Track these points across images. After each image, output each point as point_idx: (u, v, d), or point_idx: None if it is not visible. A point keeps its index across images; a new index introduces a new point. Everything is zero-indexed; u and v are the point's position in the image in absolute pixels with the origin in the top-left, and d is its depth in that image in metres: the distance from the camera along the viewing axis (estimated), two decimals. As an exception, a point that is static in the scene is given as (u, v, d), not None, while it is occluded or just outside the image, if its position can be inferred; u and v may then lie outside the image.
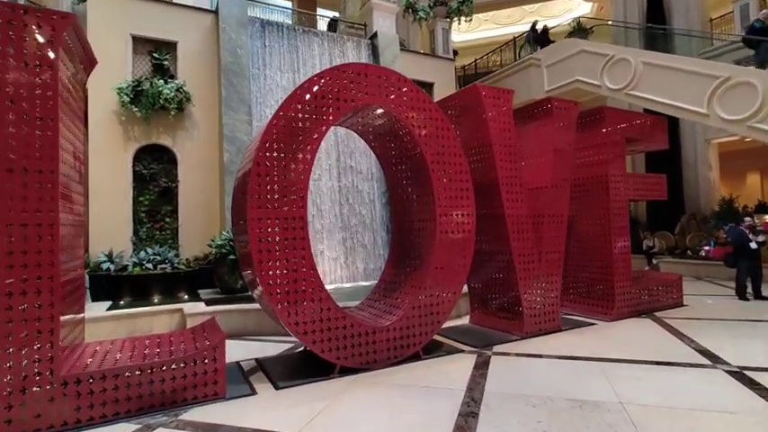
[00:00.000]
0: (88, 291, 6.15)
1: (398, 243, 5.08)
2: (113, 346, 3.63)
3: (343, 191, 9.43)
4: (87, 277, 6.23)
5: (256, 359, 4.41)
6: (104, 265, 7.40)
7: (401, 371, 3.98)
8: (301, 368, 4.06)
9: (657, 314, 6.03)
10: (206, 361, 3.30)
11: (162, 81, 7.95)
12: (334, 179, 9.35)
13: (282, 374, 3.93)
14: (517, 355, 4.38)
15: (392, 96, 4.29)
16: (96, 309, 5.63)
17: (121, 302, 7.11)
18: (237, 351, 4.92)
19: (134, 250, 7.83)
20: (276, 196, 3.65)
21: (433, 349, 4.50)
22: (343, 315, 3.92)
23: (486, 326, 5.52)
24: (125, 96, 7.62)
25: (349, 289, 8.63)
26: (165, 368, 3.16)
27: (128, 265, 7.39)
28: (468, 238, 4.60)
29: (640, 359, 4.10)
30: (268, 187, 3.63)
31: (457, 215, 4.56)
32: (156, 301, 7.21)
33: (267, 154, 3.64)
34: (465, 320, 5.89)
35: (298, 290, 3.70)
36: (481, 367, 4.01)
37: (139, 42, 8.17)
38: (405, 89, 4.38)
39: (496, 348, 4.61)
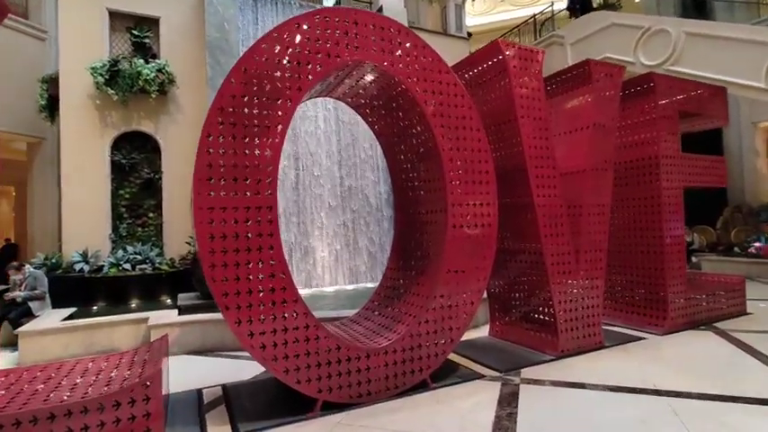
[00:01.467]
0: (47, 296, 5.36)
1: (402, 240, 4.14)
2: (21, 378, 2.79)
3: (345, 181, 8.52)
4: (46, 279, 5.44)
5: (224, 386, 3.53)
6: (78, 266, 6.65)
7: (403, 408, 3.05)
8: (276, 401, 3.18)
9: (719, 325, 4.97)
10: (133, 403, 2.42)
11: (142, 61, 7.14)
12: (335, 167, 8.44)
13: (249, 411, 3.04)
14: (553, 383, 3.41)
15: (391, 53, 3.34)
16: (50, 318, 4.83)
17: (95, 308, 6.35)
18: (206, 372, 4.06)
19: (113, 249, 7.07)
20: (234, 178, 2.75)
21: (444, 374, 3.56)
22: (325, 334, 3.01)
23: (510, 340, 4.55)
24: (99, 77, 6.82)
25: (351, 291, 7.74)
26: (71, 415, 2.29)
27: (103, 266, 6.63)
28: (488, 234, 3.64)
29: (721, 393, 3.09)
30: (222, 166, 2.73)
31: (474, 205, 3.60)
32: (132, 306, 6.43)
33: (221, 122, 2.74)
34: (483, 332, 4.93)
35: (264, 303, 2.80)
36: (508, 402, 3.06)
37: (117, 18, 7.36)
38: (408, 45, 3.43)
39: (525, 373, 3.64)
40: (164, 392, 3.30)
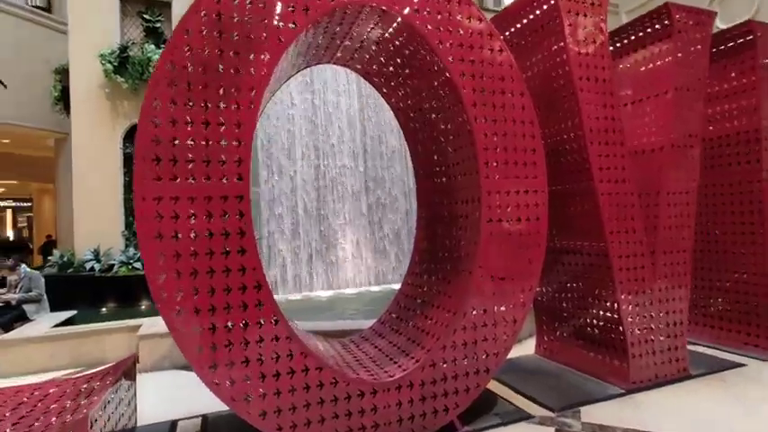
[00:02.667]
0: (44, 298, 4.99)
1: (425, 239, 3.36)
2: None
3: (369, 173, 7.78)
4: (42, 280, 5.07)
5: (204, 417, 2.89)
6: (89, 265, 6.33)
7: (420, 464, 2.28)
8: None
9: (841, 347, 3.83)
10: (48, 460, 1.80)
11: (153, 46, 6.72)
12: (359, 159, 7.72)
13: (223, 458, 2.38)
14: (627, 432, 2.52)
15: (405, -6, 2.55)
16: (39, 325, 4.42)
17: (103, 310, 6.00)
18: (190, 396, 3.44)
19: (126, 247, 6.72)
20: (190, 159, 2.06)
21: (478, 411, 2.75)
22: (317, 364, 2.28)
23: (562, 362, 3.66)
24: (108, 65, 6.44)
25: (375, 293, 7.03)
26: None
27: (114, 265, 6.27)
28: (535, 230, 2.79)
29: None
30: (174, 142, 2.04)
31: (516, 193, 2.75)
32: (141, 308, 6.03)
33: (173, 83, 2.05)
34: (528, 348, 4.05)
35: (232, 324, 2.11)
36: (566, 463, 2.22)
37: (128, 2, 6.97)
38: (426, -16, 2.62)
39: (587, 413, 2.77)
40: (129, 426, 2.71)
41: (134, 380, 2.78)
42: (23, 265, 4.91)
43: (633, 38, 3.66)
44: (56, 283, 6.13)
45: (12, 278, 4.84)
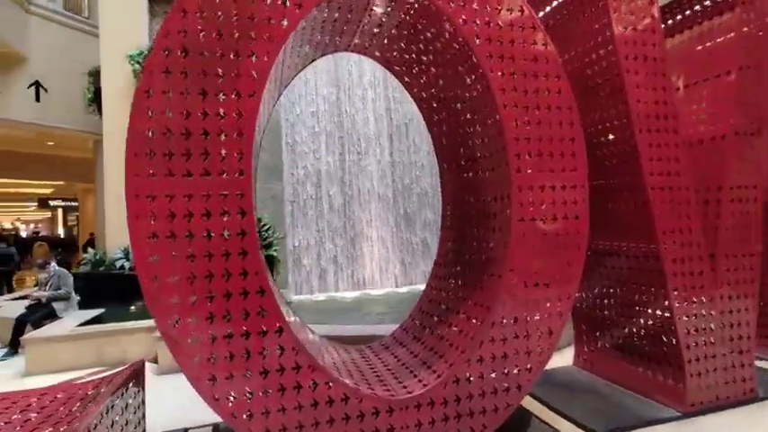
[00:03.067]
0: (73, 296, 5.05)
1: (450, 240, 3.09)
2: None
3: (396, 167, 7.53)
4: (71, 278, 5.14)
5: (215, 426, 2.75)
6: (119, 263, 6.43)
7: (441, 494, 2.03)
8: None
9: None
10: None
11: (180, 46, 6.75)
12: (385, 152, 7.47)
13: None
14: (686, 466, 2.17)
15: (425, -32, 2.29)
16: (66, 323, 4.45)
17: (132, 308, 6.06)
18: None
19: (155, 245, 6.80)
20: (186, 153, 1.89)
21: (509, 432, 2.47)
22: (327, 379, 2.06)
23: (604, 376, 3.30)
24: (137, 65, 6.51)
25: (403, 295, 6.77)
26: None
27: (143, 263, 6.33)
28: (575, 230, 2.46)
29: None
30: (168, 134, 1.88)
31: (552, 188, 2.44)
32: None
33: (167, 70, 1.89)
34: (566, 358, 3.70)
35: (233, 333, 1.92)
36: (612, 501, 1.90)
37: (157, 3, 7.04)
38: (450, -44, 2.35)
39: (636, 440, 2.43)
40: (136, 435, 2.59)
41: (142, 385, 2.66)
42: (53, 263, 5.00)
43: (688, 12, 3.23)
44: (88, 280, 6.25)
45: (42, 276, 4.93)
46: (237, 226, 1.94)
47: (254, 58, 1.99)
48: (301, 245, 6.89)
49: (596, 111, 2.90)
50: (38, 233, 25.56)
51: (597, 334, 3.45)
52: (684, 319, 2.75)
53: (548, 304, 2.42)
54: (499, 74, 2.38)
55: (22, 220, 27.72)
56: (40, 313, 4.66)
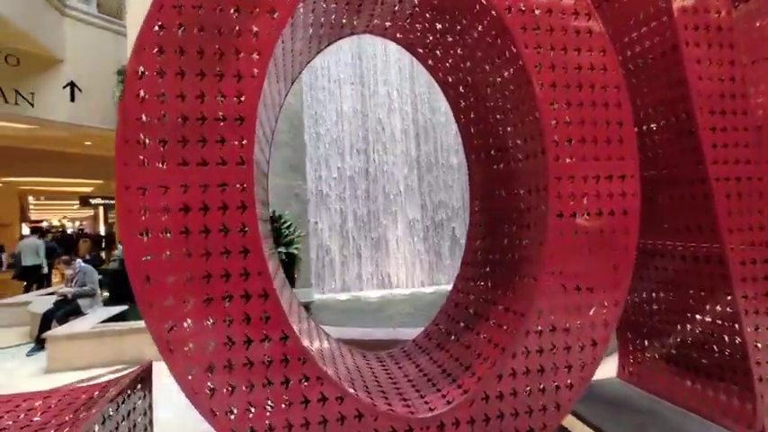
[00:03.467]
0: (98, 292, 5.06)
1: (479, 236, 2.81)
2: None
3: (422, 162, 7.25)
4: (96, 274, 5.15)
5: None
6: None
7: None
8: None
9: None
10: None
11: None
12: (411, 146, 7.21)
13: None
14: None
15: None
16: (87, 320, 4.44)
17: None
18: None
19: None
20: (182, 140, 1.71)
21: (545, 455, 2.17)
22: (338, 393, 1.84)
23: (653, 391, 2.94)
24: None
25: (429, 295, 6.50)
26: None
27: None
28: (622, 228, 2.14)
29: None
30: (162, 120, 1.70)
31: (597, 179, 2.13)
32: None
33: (161, 50, 1.71)
34: (609, 368, 3.34)
35: (233, 341, 1.73)
36: None
37: (181, 0, 7.05)
38: None
39: (696, 471, 2.09)
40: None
41: (149, 389, 2.53)
42: (79, 260, 5.03)
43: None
44: (116, 277, 6.31)
45: (68, 272, 4.97)
46: (238, 221, 1.75)
47: (256, 35, 1.79)
48: (324, 243, 6.73)
49: (648, 91, 2.55)
50: (82, 230, 26.80)
51: (645, 343, 3.09)
52: (754, 330, 2.37)
53: (591, 312, 2.11)
54: (535, 49, 2.09)
55: (68, 217, 29.13)
56: (65, 309, 4.69)
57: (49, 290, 7.00)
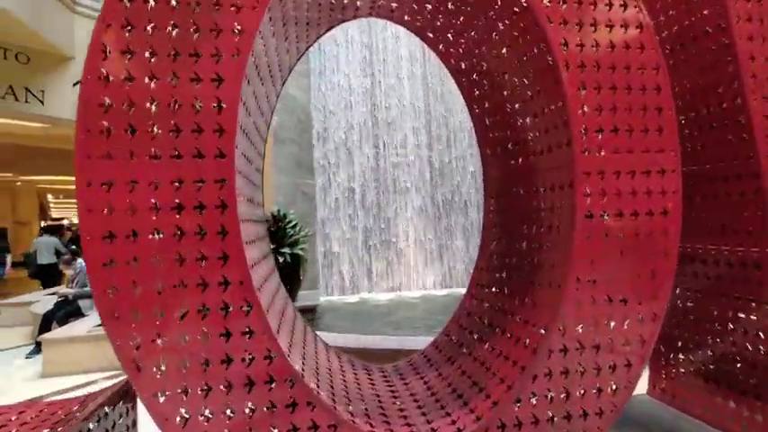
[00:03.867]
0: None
1: (494, 238, 2.56)
2: None
3: (434, 162, 6.98)
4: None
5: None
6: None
7: None
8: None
9: None
10: None
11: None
12: (423, 146, 6.95)
13: None
14: None
15: None
16: (86, 323, 4.30)
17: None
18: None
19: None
20: (152, 129, 1.49)
21: (570, 489, 1.90)
22: (333, 421, 1.61)
23: (690, 411, 2.64)
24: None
25: (441, 298, 6.24)
26: None
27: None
28: (662, 230, 1.86)
29: None
30: (129, 105, 1.48)
31: (631, 174, 1.85)
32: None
33: (128, 25, 1.49)
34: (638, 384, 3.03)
35: (211, 361, 1.51)
36: None
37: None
38: None
39: None
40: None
41: (133, 403, 2.34)
42: (80, 260, 4.91)
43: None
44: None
45: (69, 272, 4.85)
46: (216, 223, 1.52)
47: (238, 8, 1.56)
48: (333, 243, 6.52)
49: (689, 74, 2.25)
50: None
51: (679, 358, 2.78)
52: (814, 349, 2.05)
53: (625, 327, 1.83)
54: (560, 24, 1.82)
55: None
56: (65, 310, 4.57)
57: (52, 290, 6.97)
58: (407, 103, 7.05)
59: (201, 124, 1.52)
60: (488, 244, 2.63)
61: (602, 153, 1.82)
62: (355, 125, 6.77)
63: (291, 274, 4.96)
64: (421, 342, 3.04)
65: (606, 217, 1.81)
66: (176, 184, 1.50)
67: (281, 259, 4.74)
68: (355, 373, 2.36)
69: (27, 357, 4.31)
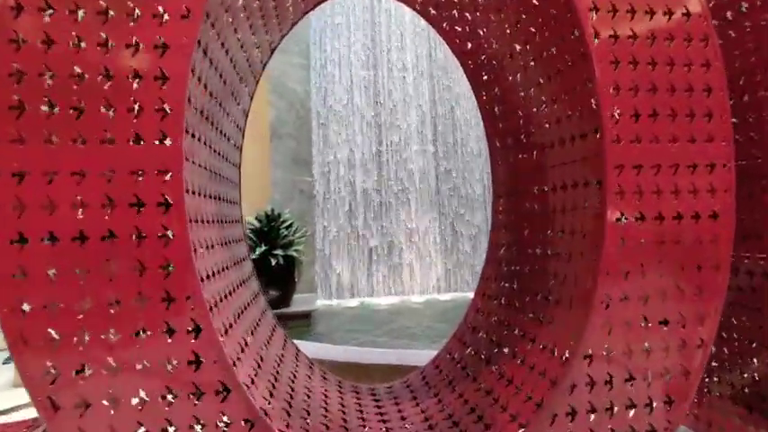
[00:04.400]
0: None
1: (503, 244, 2.24)
2: None
3: (439, 156, 6.66)
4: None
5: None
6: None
7: None
8: None
9: None
10: None
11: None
12: (428, 142, 6.62)
13: None
14: None
15: None
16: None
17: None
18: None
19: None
20: (77, 107, 1.19)
21: None
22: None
23: (729, 445, 2.30)
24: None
25: (448, 303, 5.91)
26: None
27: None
28: (711, 237, 1.53)
29: None
30: (51, 78, 1.18)
31: (674, 169, 1.52)
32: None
33: (47, -22, 1.19)
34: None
35: (147, 399, 1.21)
36: None
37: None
38: None
39: None
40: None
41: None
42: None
43: None
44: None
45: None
46: (158, 224, 1.22)
47: (188, -42, 1.25)
48: (331, 244, 6.23)
49: (742, 52, 1.91)
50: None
51: (714, 381, 2.44)
52: None
53: (664, 354, 1.50)
54: (589, -10, 1.49)
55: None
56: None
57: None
58: (412, 98, 6.73)
59: (140, 101, 1.22)
60: (496, 250, 2.31)
61: (639, 143, 1.49)
62: (357, 120, 6.46)
63: (285, 278, 4.68)
64: (422, 357, 2.73)
65: (642, 221, 1.48)
66: (107, 174, 1.20)
67: (273, 262, 4.46)
68: (341, 397, 2.06)
69: (4, 363, 4.06)
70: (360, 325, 4.76)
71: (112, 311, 1.20)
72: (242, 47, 1.86)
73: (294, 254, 4.68)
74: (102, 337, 1.19)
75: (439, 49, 6.48)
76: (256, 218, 4.88)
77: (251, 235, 4.70)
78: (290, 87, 5.89)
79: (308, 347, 3.24)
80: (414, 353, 3.17)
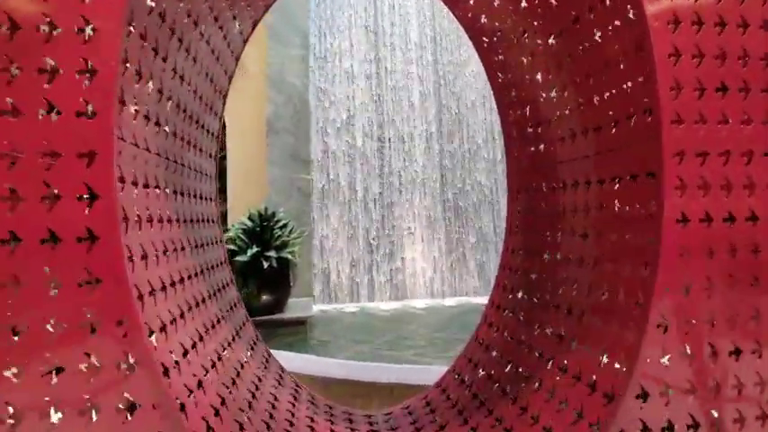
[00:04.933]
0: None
1: (520, 249, 1.94)
2: None
3: (444, 157, 6.36)
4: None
5: None
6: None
7: None
8: None
9: None
10: None
11: None
12: (432, 139, 6.33)
13: None
14: None
15: None
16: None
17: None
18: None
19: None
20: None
21: None
22: None
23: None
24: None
25: (453, 309, 5.59)
26: None
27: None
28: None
29: None
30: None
31: (747, 157, 1.21)
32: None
33: None
34: None
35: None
36: None
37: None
38: None
39: None
40: None
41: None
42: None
43: None
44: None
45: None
46: (80, 224, 0.92)
47: None
48: (330, 245, 5.93)
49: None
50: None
51: None
52: None
53: (738, 392, 1.19)
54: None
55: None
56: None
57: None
58: (416, 92, 6.44)
59: (56, 60, 0.92)
60: (512, 255, 2.00)
61: (704, 124, 1.18)
62: (358, 115, 6.17)
63: (279, 281, 4.39)
64: (426, 375, 2.44)
65: (709, 223, 1.17)
66: (9, 156, 0.90)
67: (266, 264, 4.17)
68: (331, 425, 1.76)
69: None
70: (359, 333, 4.45)
71: (17, 339, 0.90)
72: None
73: (289, 256, 4.37)
74: (5, 360, 0.89)
75: (443, 43, 6.21)
76: (249, 217, 4.58)
77: (242, 236, 4.39)
78: (289, 81, 5.58)
79: (301, 362, 2.95)
80: (417, 369, 2.86)
